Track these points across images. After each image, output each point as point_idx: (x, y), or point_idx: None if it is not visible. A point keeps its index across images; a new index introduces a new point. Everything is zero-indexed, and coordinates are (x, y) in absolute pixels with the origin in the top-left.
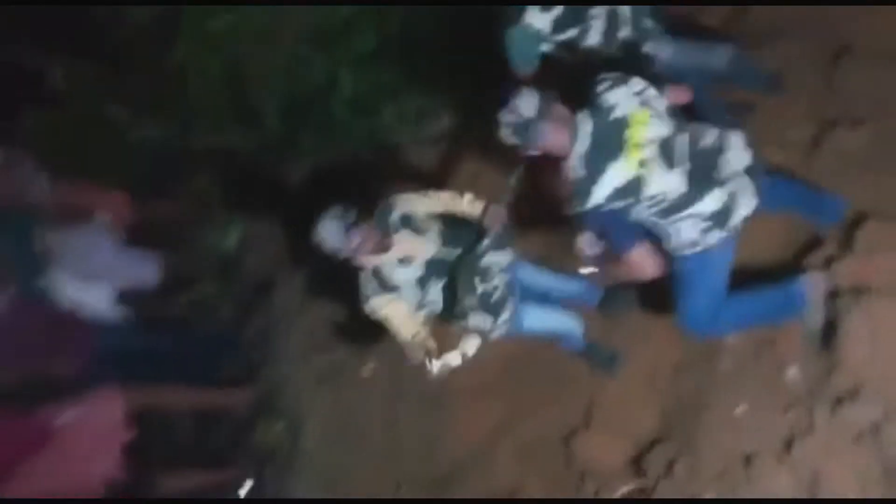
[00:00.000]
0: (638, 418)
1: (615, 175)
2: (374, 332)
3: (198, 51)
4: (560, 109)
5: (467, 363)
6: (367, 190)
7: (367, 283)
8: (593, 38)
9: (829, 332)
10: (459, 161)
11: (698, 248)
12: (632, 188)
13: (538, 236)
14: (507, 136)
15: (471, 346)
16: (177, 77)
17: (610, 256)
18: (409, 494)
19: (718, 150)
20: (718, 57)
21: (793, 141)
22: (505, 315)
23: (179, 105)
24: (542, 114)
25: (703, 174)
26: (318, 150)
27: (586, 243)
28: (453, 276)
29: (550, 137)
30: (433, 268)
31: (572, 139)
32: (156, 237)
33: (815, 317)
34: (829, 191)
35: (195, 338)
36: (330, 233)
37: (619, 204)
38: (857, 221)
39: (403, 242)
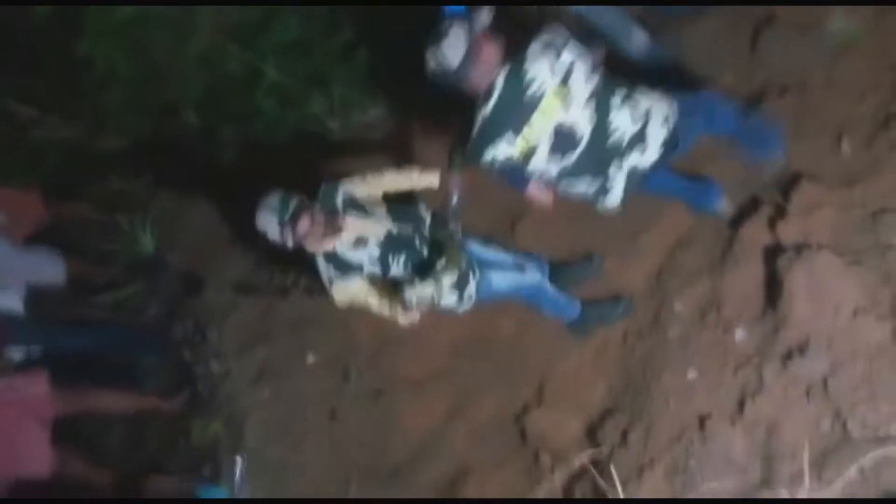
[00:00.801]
0: (590, 391)
1: (504, 150)
2: (313, 321)
3: (103, 43)
4: (489, 54)
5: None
6: (298, 179)
7: (325, 270)
8: None
9: (774, 290)
10: (391, 148)
11: None
12: (515, 163)
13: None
14: (432, 74)
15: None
16: (84, 72)
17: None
18: (360, 487)
19: (627, 146)
20: (634, 43)
21: None
22: (470, 289)
23: (89, 102)
24: (466, 63)
25: (589, 164)
26: (241, 142)
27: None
28: (413, 251)
29: (475, 82)
30: (389, 245)
31: (486, 94)
32: (68, 239)
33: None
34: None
35: (118, 337)
36: (272, 223)
37: (499, 167)
38: (791, 183)
39: (353, 224)
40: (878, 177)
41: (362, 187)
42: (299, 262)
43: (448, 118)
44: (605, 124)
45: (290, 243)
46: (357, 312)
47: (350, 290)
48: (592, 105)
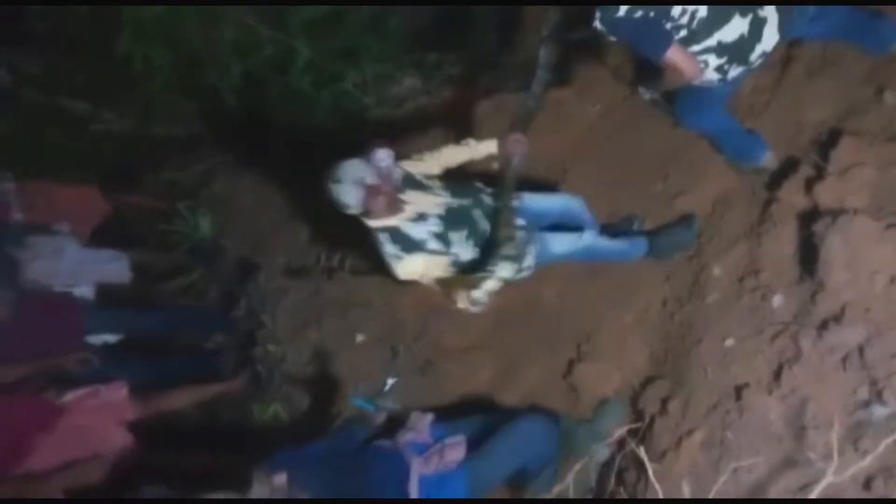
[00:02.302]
0: (630, 356)
1: None
2: (359, 302)
3: (139, 40)
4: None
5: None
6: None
7: (390, 245)
8: None
9: (810, 257)
10: (431, 118)
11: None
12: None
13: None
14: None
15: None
16: (125, 67)
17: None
18: None
19: None
20: None
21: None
22: (528, 260)
23: (136, 93)
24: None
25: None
26: (282, 124)
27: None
28: (473, 225)
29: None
30: (450, 220)
31: None
32: (130, 229)
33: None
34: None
35: (186, 318)
36: (348, 184)
37: (642, 14)
38: (832, 140)
39: (413, 200)
40: None
41: (420, 165)
42: (343, 243)
43: (483, 82)
44: None
45: (357, 210)
46: (400, 291)
47: (414, 267)
48: None
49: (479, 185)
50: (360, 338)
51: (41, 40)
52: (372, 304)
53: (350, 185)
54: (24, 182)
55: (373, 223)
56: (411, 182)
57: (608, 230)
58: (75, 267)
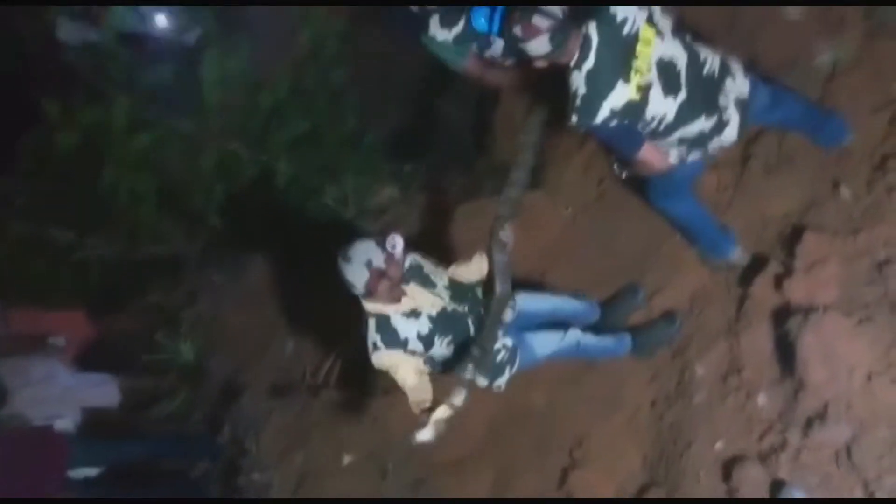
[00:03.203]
0: (624, 461)
1: (617, 97)
2: (346, 418)
3: (125, 173)
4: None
5: (457, 415)
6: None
7: (374, 333)
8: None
9: (787, 354)
10: (412, 226)
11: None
12: (631, 111)
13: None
14: (540, 45)
15: (458, 397)
16: (111, 196)
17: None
18: None
19: (720, 77)
20: None
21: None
22: (504, 377)
23: (119, 220)
24: (368, 286)
25: (699, 100)
26: (265, 240)
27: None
28: (461, 333)
29: (572, 45)
30: (439, 323)
31: (582, 52)
32: (115, 353)
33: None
34: (834, 111)
35: (171, 445)
36: (357, 265)
37: (616, 122)
38: (795, 236)
39: (413, 294)
40: (880, 222)
41: (429, 261)
42: (329, 354)
43: (459, 187)
44: (695, 54)
45: (359, 289)
46: (388, 404)
47: (388, 361)
48: (679, 37)
49: (479, 292)
50: (347, 459)
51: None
52: (359, 420)
53: (358, 265)
54: (8, 311)
55: (368, 306)
56: (418, 274)
57: (611, 305)
58: (65, 393)
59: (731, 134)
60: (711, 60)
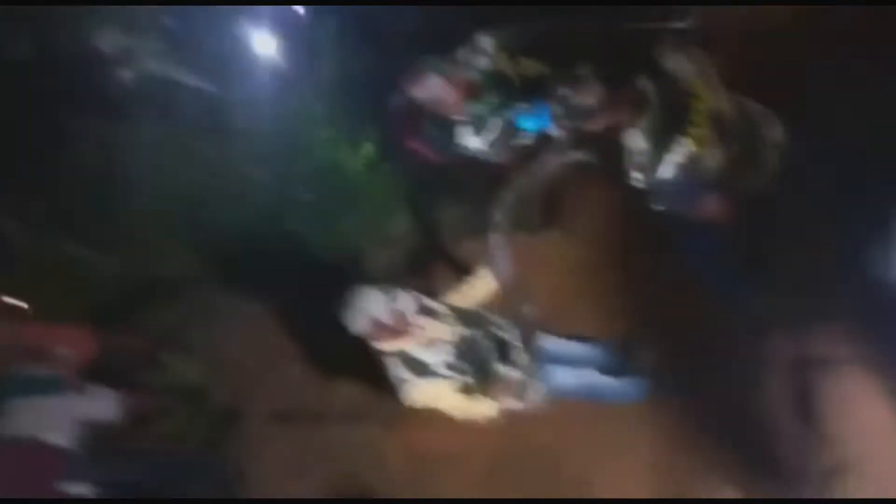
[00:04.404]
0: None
1: (681, 151)
2: (346, 450)
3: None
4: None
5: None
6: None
7: (399, 369)
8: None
9: (806, 408)
10: (426, 258)
11: None
12: (692, 164)
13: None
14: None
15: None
16: (125, 211)
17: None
18: None
19: (757, 123)
20: None
21: None
22: (531, 394)
23: (130, 236)
24: (603, 101)
25: (749, 149)
26: (277, 264)
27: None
28: (483, 354)
29: (610, 120)
30: (462, 350)
31: (639, 108)
32: (116, 369)
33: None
34: None
35: (165, 467)
36: (361, 315)
37: (680, 176)
38: None
39: (427, 326)
40: None
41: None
42: (335, 383)
43: (472, 222)
44: (738, 103)
45: (368, 330)
46: (387, 437)
47: (428, 391)
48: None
49: (490, 315)
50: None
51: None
52: (358, 452)
53: (362, 316)
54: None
55: (380, 346)
56: (426, 311)
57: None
58: (63, 404)
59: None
60: (752, 108)
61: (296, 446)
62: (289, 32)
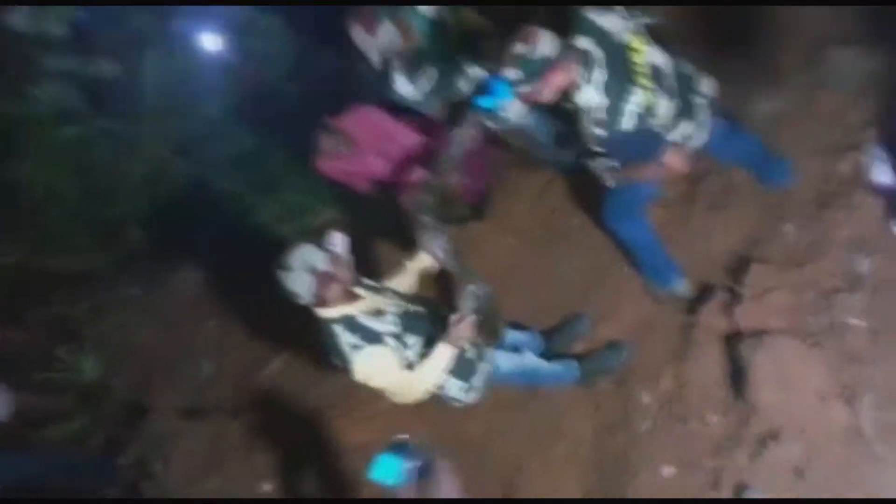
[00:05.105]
0: (564, 491)
1: (637, 101)
2: (264, 444)
3: (45, 166)
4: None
5: None
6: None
7: (347, 335)
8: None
9: (739, 378)
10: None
11: None
12: (648, 113)
13: None
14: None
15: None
16: (23, 195)
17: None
18: None
19: (692, 79)
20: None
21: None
22: (478, 379)
23: (29, 223)
24: (557, 55)
25: (685, 103)
26: (191, 256)
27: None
28: (429, 334)
29: (559, 77)
30: (408, 323)
31: (587, 66)
32: (12, 367)
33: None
34: (779, 153)
35: (63, 465)
36: (299, 272)
37: (638, 127)
38: (742, 267)
39: (369, 296)
40: (823, 256)
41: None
42: (249, 377)
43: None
44: (673, 58)
45: (313, 298)
46: (311, 429)
47: (374, 360)
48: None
49: (434, 298)
50: (266, 486)
51: None
52: (278, 446)
53: (301, 272)
54: None
55: (326, 313)
56: (366, 285)
57: (555, 333)
58: None
59: (703, 136)
60: (683, 64)
61: (210, 442)
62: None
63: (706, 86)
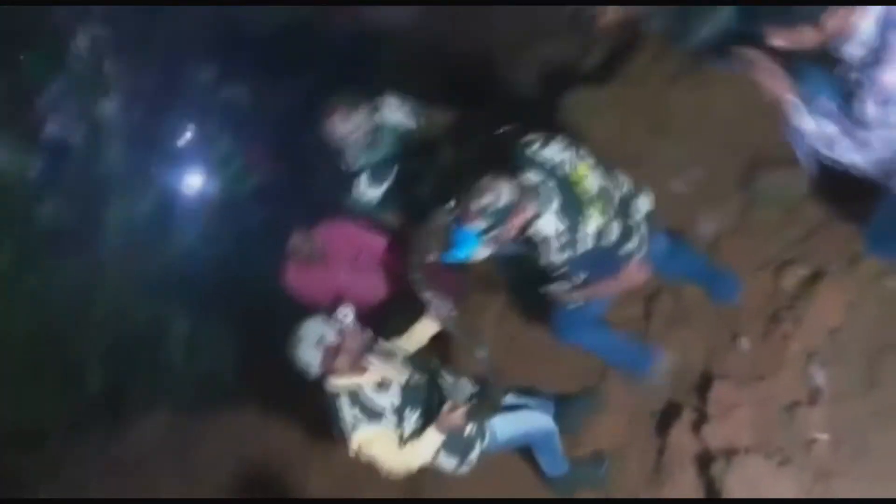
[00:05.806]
0: None
1: (592, 224)
2: None
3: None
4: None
5: None
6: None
7: (350, 409)
8: None
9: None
10: None
11: None
12: (603, 234)
13: None
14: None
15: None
16: None
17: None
18: None
19: (631, 196)
20: None
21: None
22: (473, 454)
23: None
24: (518, 198)
25: (626, 220)
26: (155, 397)
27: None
28: (427, 404)
29: (521, 217)
30: (409, 396)
31: (541, 198)
32: None
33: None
34: (725, 269)
35: None
36: (309, 345)
37: (596, 246)
38: (704, 385)
39: (377, 365)
40: (780, 369)
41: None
42: None
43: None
44: (615, 179)
45: (323, 370)
46: None
47: (370, 438)
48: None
49: (434, 363)
50: None
51: None
52: None
53: (309, 345)
54: None
55: (333, 385)
56: (378, 349)
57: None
58: None
59: (643, 249)
60: (623, 182)
61: None
62: None
63: (644, 202)
